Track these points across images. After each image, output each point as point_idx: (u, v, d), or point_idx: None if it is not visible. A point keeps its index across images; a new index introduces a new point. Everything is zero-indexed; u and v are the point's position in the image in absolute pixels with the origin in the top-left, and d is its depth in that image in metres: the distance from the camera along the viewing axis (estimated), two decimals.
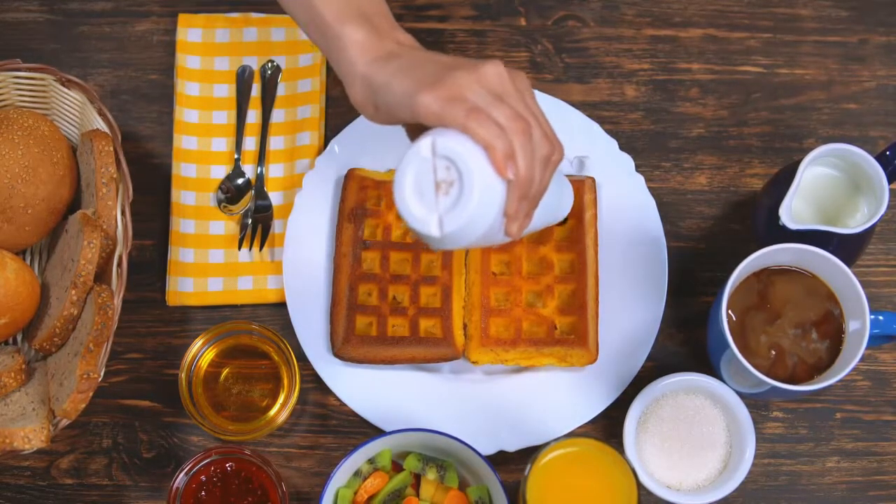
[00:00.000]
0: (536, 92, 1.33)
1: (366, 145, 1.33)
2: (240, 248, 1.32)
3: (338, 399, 1.27)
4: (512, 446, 1.25)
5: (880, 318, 1.16)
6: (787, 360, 1.18)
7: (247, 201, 1.34)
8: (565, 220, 1.29)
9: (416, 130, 1.06)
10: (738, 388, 1.21)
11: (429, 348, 1.27)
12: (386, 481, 1.22)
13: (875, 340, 1.18)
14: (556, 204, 1.12)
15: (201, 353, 1.26)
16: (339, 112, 1.36)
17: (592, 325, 1.27)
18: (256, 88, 1.37)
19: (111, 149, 1.25)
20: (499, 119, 0.98)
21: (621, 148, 1.33)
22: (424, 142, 1.00)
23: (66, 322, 1.21)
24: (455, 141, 0.98)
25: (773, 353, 1.18)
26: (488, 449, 1.25)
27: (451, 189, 0.99)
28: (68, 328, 1.22)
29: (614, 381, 1.27)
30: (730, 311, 1.19)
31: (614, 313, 1.29)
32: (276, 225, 1.33)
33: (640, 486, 1.13)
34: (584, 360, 1.26)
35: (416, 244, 1.29)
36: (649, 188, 1.32)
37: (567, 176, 1.31)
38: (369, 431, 1.28)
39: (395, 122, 1.05)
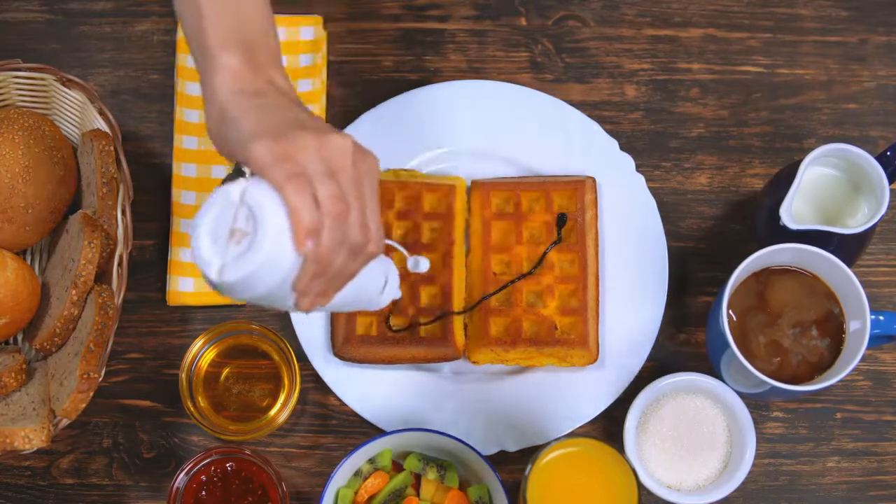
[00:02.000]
0: (536, 93, 1.34)
1: (365, 145, 1.32)
2: None
3: (338, 399, 1.27)
4: (512, 446, 1.25)
5: (881, 318, 1.16)
6: (788, 361, 1.18)
7: None
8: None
9: None
10: (738, 388, 1.21)
11: (429, 348, 1.27)
12: (386, 481, 1.22)
13: (875, 340, 1.18)
14: (369, 292, 1.09)
15: (201, 352, 1.26)
16: (339, 112, 1.36)
17: (592, 325, 1.27)
18: None
19: (111, 148, 1.25)
20: (319, 193, 0.94)
21: (621, 148, 1.33)
22: (236, 185, 0.96)
23: (66, 322, 1.21)
24: (265, 195, 0.94)
25: (774, 353, 1.18)
26: (488, 449, 1.25)
27: (244, 240, 0.95)
28: (68, 328, 1.22)
29: (614, 381, 1.27)
30: (730, 311, 1.19)
31: (614, 313, 1.29)
32: None
33: (640, 486, 1.13)
34: (584, 360, 1.26)
35: (416, 244, 1.29)
36: (649, 188, 1.32)
37: (566, 176, 1.31)
38: (369, 431, 1.28)
39: (232, 160, 1.00)
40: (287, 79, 1.05)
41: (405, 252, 1.10)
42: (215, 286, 0.97)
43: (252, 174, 0.97)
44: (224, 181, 1.26)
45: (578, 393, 1.27)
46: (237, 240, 0.95)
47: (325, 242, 0.95)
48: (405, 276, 1.28)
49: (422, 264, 1.11)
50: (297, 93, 1.05)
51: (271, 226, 0.94)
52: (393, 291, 1.12)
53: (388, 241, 1.07)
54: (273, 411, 1.25)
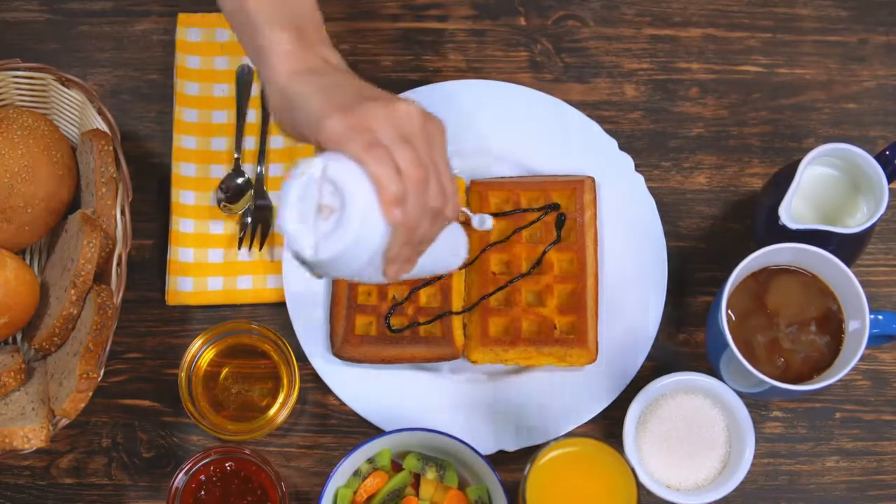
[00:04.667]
0: (536, 92, 1.34)
1: None
2: (239, 247, 1.32)
3: (337, 399, 1.27)
4: (512, 446, 1.25)
5: (880, 317, 1.16)
6: (787, 360, 1.18)
7: (247, 201, 1.34)
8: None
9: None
10: (737, 387, 1.21)
11: (429, 348, 1.27)
12: (385, 481, 1.22)
13: (875, 340, 1.18)
14: (445, 255, 1.10)
15: (201, 352, 1.26)
16: None
17: (592, 325, 1.27)
18: (256, 88, 1.37)
19: (111, 148, 1.25)
20: (398, 161, 0.96)
21: (621, 148, 1.33)
22: (317, 161, 0.97)
23: (65, 321, 1.21)
24: (347, 169, 0.95)
25: (773, 352, 1.18)
26: (488, 449, 1.25)
27: (332, 216, 0.96)
28: (68, 328, 1.22)
29: (614, 380, 1.27)
30: (729, 311, 1.19)
31: (614, 313, 1.29)
32: (276, 225, 1.33)
33: (639, 486, 1.13)
34: (584, 359, 1.26)
35: None
36: (649, 188, 1.32)
37: (565, 176, 1.32)
38: (369, 431, 1.28)
39: (303, 139, 1.02)
40: (337, 53, 1.06)
41: (469, 212, 1.12)
42: (309, 265, 0.99)
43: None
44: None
45: (578, 393, 1.27)
46: (325, 216, 0.96)
47: (411, 209, 0.96)
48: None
49: (487, 222, 1.12)
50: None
51: (358, 199, 0.95)
52: (464, 252, 1.14)
53: None
54: (272, 411, 1.25)
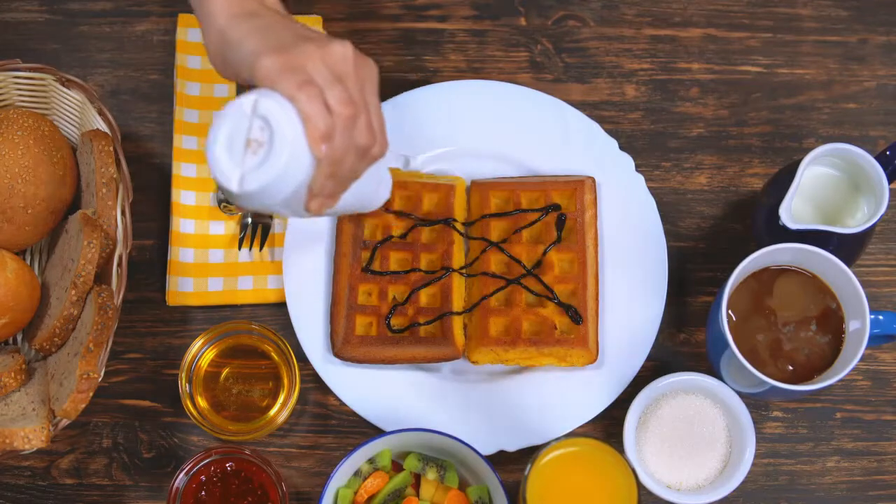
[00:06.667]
0: (536, 93, 1.34)
1: None
2: (240, 248, 1.32)
3: (338, 399, 1.27)
4: (512, 446, 1.25)
5: (880, 317, 1.16)
6: (787, 360, 1.18)
7: None
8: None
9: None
10: (738, 387, 1.21)
11: (429, 348, 1.27)
12: (386, 481, 1.22)
13: (875, 340, 1.18)
14: (369, 193, 1.14)
15: (201, 352, 1.26)
16: None
17: (592, 325, 1.27)
18: None
19: (111, 149, 1.25)
20: (329, 99, 1.00)
21: (621, 148, 1.33)
22: (247, 98, 1.01)
23: (65, 322, 1.21)
24: (277, 105, 0.99)
25: (773, 353, 1.18)
26: (488, 449, 1.25)
27: (260, 150, 1.00)
28: (68, 328, 1.22)
29: (614, 381, 1.27)
30: (730, 311, 1.19)
31: (614, 313, 1.29)
32: (276, 225, 1.33)
33: (640, 486, 1.13)
34: (584, 359, 1.26)
35: (416, 244, 1.29)
36: (649, 188, 1.32)
37: (566, 176, 1.32)
38: (369, 431, 1.28)
39: (238, 79, 1.06)
40: None
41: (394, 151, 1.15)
42: (234, 196, 1.02)
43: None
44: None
45: (578, 393, 1.27)
46: (253, 150, 1.00)
47: (338, 144, 1.00)
48: (409, 276, 1.29)
49: (411, 163, 1.19)
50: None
51: (287, 133, 0.99)
52: (386, 193, 1.17)
53: None
54: (273, 411, 1.25)
